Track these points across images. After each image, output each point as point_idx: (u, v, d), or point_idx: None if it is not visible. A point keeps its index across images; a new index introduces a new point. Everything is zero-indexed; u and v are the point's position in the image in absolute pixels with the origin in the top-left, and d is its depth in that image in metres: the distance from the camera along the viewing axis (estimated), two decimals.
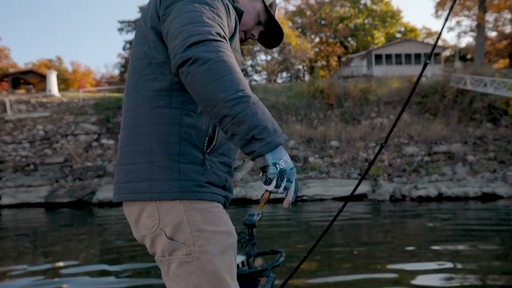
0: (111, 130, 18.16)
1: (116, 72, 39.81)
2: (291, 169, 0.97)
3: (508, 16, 34.99)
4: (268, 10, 1.37)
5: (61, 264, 5.62)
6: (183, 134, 1.11)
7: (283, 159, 0.96)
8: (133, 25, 35.99)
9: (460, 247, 6.02)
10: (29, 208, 12.77)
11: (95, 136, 17.71)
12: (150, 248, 1.16)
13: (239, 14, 1.24)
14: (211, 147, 1.14)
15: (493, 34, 35.70)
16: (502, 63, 36.69)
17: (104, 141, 17.56)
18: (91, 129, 18.05)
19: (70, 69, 47.41)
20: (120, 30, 37.37)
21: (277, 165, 0.95)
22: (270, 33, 1.44)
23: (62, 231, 8.94)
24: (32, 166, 15.69)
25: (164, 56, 1.11)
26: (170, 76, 1.11)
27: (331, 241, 6.47)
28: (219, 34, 0.99)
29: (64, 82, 42.61)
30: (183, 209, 1.08)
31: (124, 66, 37.07)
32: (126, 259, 5.70)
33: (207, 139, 1.14)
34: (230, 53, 0.97)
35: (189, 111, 1.12)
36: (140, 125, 1.12)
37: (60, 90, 28.59)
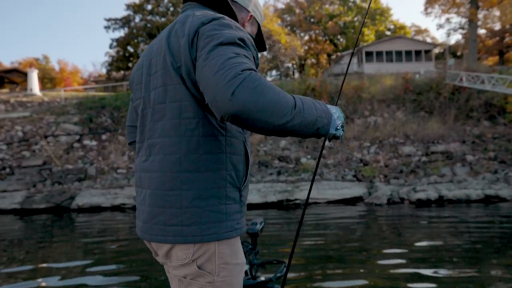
0: (94, 130, 17.35)
1: (104, 71, 38.75)
2: (342, 122, 1.19)
3: (497, 13, 34.94)
4: (260, 31, 1.52)
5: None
6: (228, 178, 1.22)
7: (338, 123, 1.17)
8: (119, 22, 34.91)
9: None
10: (2, 215, 11.85)
11: (77, 137, 16.88)
12: (162, 258, 1.27)
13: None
14: (244, 183, 1.28)
15: (482, 31, 35.66)
16: (492, 60, 36.64)
17: (86, 142, 16.75)
18: (72, 130, 17.21)
19: (57, 67, 46.31)
20: (107, 28, 36.20)
21: (337, 129, 1.16)
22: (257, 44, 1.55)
23: (33, 239, 8.10)
24: (8, 170, 14.72)
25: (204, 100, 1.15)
26: (213, 120, 1.19)
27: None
28: (251, 69, 1.02)
29: (51, 81, 41.51)
30: (217, 245, 1.19)
31: (111, 65, 35.95)
32: (110, 273, 4.95)
33: (244, 179, 1.27)
34: (263, 79, 1.00)
35: (231, 154, 1.23)
36: (187, 170, 1.18)
37: (46, 89, 27.60)
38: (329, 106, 1.18)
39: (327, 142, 1.29)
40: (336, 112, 1.18)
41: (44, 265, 5.97)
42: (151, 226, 1.23)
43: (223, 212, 1.20)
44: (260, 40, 1.54)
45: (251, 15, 1.46)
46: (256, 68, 1.17)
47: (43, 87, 33.24)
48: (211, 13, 1.22)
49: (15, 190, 13.39)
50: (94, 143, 16.69)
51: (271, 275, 2.11)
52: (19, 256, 6.60)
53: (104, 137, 17.09)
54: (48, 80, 41.25)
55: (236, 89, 0.95)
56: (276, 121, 0.99)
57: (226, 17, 1.21)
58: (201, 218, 1.17)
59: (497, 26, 35.36)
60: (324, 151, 14.83)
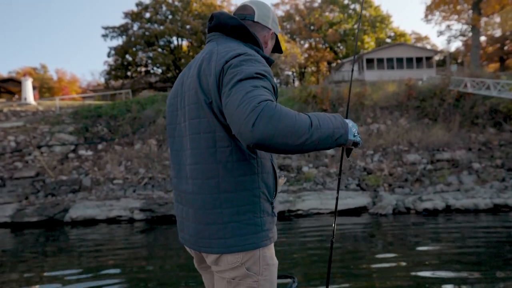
0: (90, 140, 16.95)
1: (102, 80, 38.34)
2: (356, 130, 1.34)
3: (498, 20, 34.78)
4: (278, 41, 1.71)
5: None
6: (261, 194, 1.40)
7: (354, 131, 1.31)
8: (117, 31, 34.65)
9: None
10: None
11: (72, 147, 16.45)
12: (211, 264, 1.45)
13: (271, 63, 1.52)
14: (275, 197, 1.47)
15: (482, 38, 35.45)
16: (492, 67, 36.38)
17: (82, 152, 16.31)
18: (67, 139, 16.78)
19: (55, 77, 46.08)
20: (105, 36, 35.92)
21: (355, 136, 1.31)
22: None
23: (18, 257, 7.63)
24: None
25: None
26: (244, 147, 1.34)
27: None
28: (268, 99, 1.14)
29: (49, 90, 41.20)
30: (261, 250, 1.40)
31: (109, 73, 35.59)
32: None
33: (275, 193, 1.46)
34: (278, 107, 1.12)
35: (263, 173, 1.41)
36: (225, 191, 1.36)
37: (44, 98, 27.22)
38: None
39: (347, 157, 1.50)
40: (349, 122, 1.32)
41: (42, 276, 5.52)
42: (198, 239, 1.43)
43: (259, 224, 1.38)
44: (277, 45, 1.72)
45: (272, 32, 1.61)
46: (276, 93, 1.33)
47: (41, 96, 32.90)
48: (234, 47, 1.37)
49: (6, 203, 12.91)
50: (89, 153, 16.27)
51: None
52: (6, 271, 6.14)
53: (100, 146, 16.68)
54: (46, 89, 40.98)
55: (255, 121, 1.08)
56: (295, 142, 1.12)
57: (248, 51, 1.34)
58: (241, 230, 1.36)
59: (498, 33, 35.21)
60: (326, 160, 14.40)
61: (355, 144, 1.34)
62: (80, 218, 11.66)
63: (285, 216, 11.18)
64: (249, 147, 1.15)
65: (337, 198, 1.75)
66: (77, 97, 32.23)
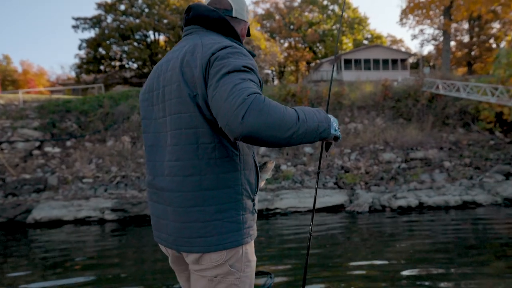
0: (57, 136, 15.96)
1: (73, 73, 36.91)
2: (337, 124, 1.39)
3: (466, 26, 36.09)
4: (249, 27, 1.67)
5: None
6: (244, 192, 1.39)
7: (335, 125, 1.36)
8: (89, 22, 33.43)
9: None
10: None
11: (37, 144, 15.36)
12: (191, 263, 1.42)
13: (253, 56, 1.46)
14: (256, 193, 1.46)
15: (452, 43, 36.65)
16: (461, 71, 37.72)
17: (48, 149, 15.30)
18: (32, 135, 15.62)
19: (20, 69, 43.85)
20: (75, 27, 34.44)
21: (336, 130, 1.36)
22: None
23: None
24: None
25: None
26: (228, 143, 1.34)
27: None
28: (256, 92, 1.15)
29: (13, 83, 39.13)
30: (243, 247, 1.40)
31: (80, 67, 34.35)
32: None
33: (256, 190, 1.46)
34: (267, 100, 1.15)
35: (245, 170, 1.40)
36: (207, 188, 1.33)
37: (6, 92, 25.82)
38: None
39: (326, 152, 1.51)
40: (331, 117, 1.36)
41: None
42: (177, 238, 1.38)
43: (240, 222, 1.37)
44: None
45: (248, 24, 1.62)
46: (261, 87, 1.32)
47: (3, 89, 31.43)
48: (218, 40, 1.35)
49: None
50: (57, 150, 15.30)
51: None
52: None
53: (68, 143, 15.73)
54: (10, 82, 39.02)
55: (245, 113, 1.08)
56: (283, 135, 1.13)
57: (234, 44, 1.33)
58: (222, 228, 1.33)
59: (466, 39, 36.52)
60: (304, 158, 14.58)
61: (336, 138, 1.39)
62: (44, 219, 10.85)
63: (263, 215, 11.25)
64: (236, 140, 1.14)
65: (315, 191, 1.78)
66: (45, 91, 30.88)
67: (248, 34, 1.68)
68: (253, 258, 1.46)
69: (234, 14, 1.53)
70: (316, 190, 1.82)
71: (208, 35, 1.41)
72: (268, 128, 1.10)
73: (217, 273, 1.36)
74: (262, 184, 1.62)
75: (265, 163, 1.69)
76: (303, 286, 1.82)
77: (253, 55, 1.47)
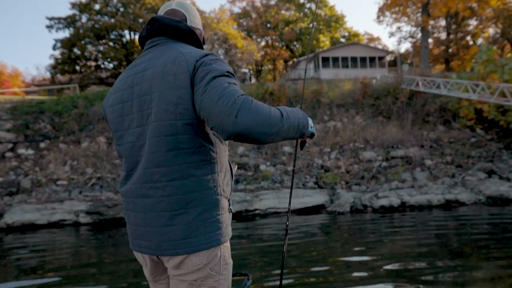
0: (31, 138, 15.59)
1: (48, 74, 35.66)
2: (312, 122, 1.52)
3: (443, 23, 36.56)
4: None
5: None
6: (222, 192, 1.45)
7: (310, 123, 1.50)
8: (64, 22, 32.45)
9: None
10: None
11: (10, 146, 15.05)
12: (172, 269, 1.44)
13: None
14: (230, 194, 1.53)
15: (429, 40, 37.06)
16: (438, 68, 38.18)
17: (21, 151, 14.98)
18: (5, 137, 15.35)
19: None
20: (49, 27, 33.47)
21: (311, 127, 1.50)
22: None
23: None
24: None
25: (202, 132, 1.39)
26: (207, 147, 1.41)
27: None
28: (243, 94, 1.25)
29: None
30: (222, 249, 1.45)
31: (55, 68, 33.23)
32: None
33: (231, 190, 1.54)
34: (254, 100, 1.25)
35: (222, 172, 1.47)
36: (190, 192, 1.38)
37: None
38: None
39: (301, 149, 1.72)
40: (310, 119, 1.50)
41: None
42: (160, 243, 1.41)
43: (220, 221, 1.44)
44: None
45: (202, 32, 1.69)
46: None
47: None
48: (194, 49, 1.45)
49: None
50: (30, 152, 14.98)
51: None
52: None
53: (42, 145, 15.41)
54: None
55: (238, 113, 1.18)
56: (271, 131, 1.25)
57: (213, 52, 1.61)
58: (205, 228, 1.40)
59: (443, 36, 36.99)
60: (283, 158, 14.19)
61: (312, 135, 1.50)
62: (17, 224, 10.71)
63: (242, 216, 10.81)
64: (228, 139, 1.24)
65: (291, 191, 1.93)
66: (19, 91, 29.81)
67: (203, 42, 1.71)
68: (230, 262, 1.51)
69: (189, 24, 1.60)
70: (292, 188, 1.96)
71: (182, 46, 1.47)
72: (258, 126, 1.20)
73: (197, 277, 1.40)
74: None
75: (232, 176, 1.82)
76: (280, 285, 1.90)
77: None
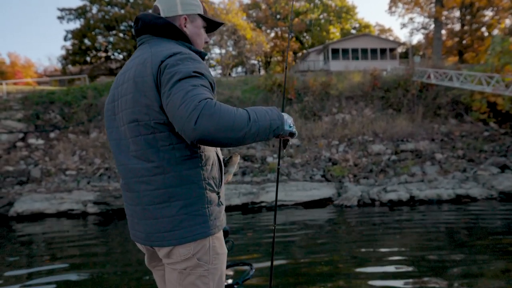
0: (41, 128, 15.72)
1: (60, 65, 35.92)
2: (291, 121, 1.45)
3: (457, 14, 35.73)
4: (206, 18, 1.64)
5: None
6: (207, 186, 1.46)
7: (289, 122, 1.42)
8: (74, 13, 32.59)
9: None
10: None
11: (21, 135, 15.21)
12: (163, 257, 1.49)
13: (204, 56, 1.57)
14: (220, 187, 1.54)
15: (442, 32, 36.26)
16: (451, 60, 37.42)
17: (31, 140, 15.14)
18: (16, 127, 15.49)
19: (8, 61, 43.13)
20: (60, 18, 33.65)
21: (290, 126, 1.42)
22: (212, 25, 1.70)
23: None
24: None
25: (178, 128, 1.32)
26: (186, 143, 1.40)
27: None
28: (207, 98, 1.23)
29: (1, 75, 38.41)
30: (210, 240, 1.47)
31: (66, 58, 33.47)
32: None
33: (221, 183, 1.54)
34: (218, 105, 1.22)
35: (207, 165, 1.47)
36: (172, 186, 1.41)
37: None
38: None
39: (283, 148, 1.69)
40: (285, 114, 1.43)
41: None
42: (149, 235, 1.47)
43: (206, 214, 1.45)
44: (209, 21, 1.65)
45: (185, 17, 1.58)
46: (214, 89, 1.39)
47: None
48: (168, 47, 1.42)
49: None
50: (40, 141, 15.13)
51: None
52: None
53: (52, 135, 15.53)
54: None
55: (197, 119, 1.17)
56: (236, 135, 1.23)
57: (182, 50, 1.40)
58: (189, 221, 1.42)
59: (457, 27, 36.17)
60: (291, 150, 14.08)
61: (292, 134, 1.45)
62: (26, 213, 10.83)
63: (248, 209, 10.77)
64: (193, 143, 1.23)
65: (277, 187, 1.95)
66: (31, 82, 30.14)
67: (217, 24, 1.67)
68: (222, 251, 1.52)
69: (162, 15, 1.55)
70: (277, 186, 1.96)
71: (159, 43, 1.47)
72: (220, 131, 1.19)
73: (186, 266, 1.44)
74: (229, 177, 1.75)
75: (230, 157, 1.78)
76: (270, 278, 1.95)
77: (204, 55, 1.55)
